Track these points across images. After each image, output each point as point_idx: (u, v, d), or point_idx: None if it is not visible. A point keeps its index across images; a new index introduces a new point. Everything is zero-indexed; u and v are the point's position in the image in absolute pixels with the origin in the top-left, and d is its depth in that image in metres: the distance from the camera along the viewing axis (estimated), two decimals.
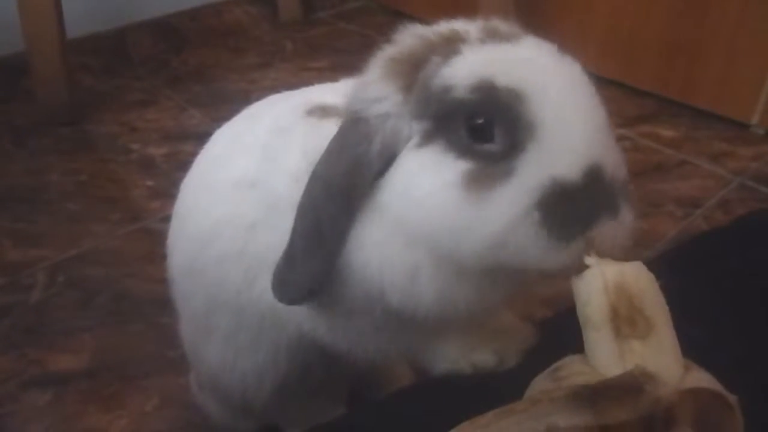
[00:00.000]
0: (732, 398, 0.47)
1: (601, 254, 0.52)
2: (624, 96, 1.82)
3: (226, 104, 1.90)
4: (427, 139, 0.55)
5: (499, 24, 0.60)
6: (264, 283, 0.67)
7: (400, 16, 2.46)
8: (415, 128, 0.56)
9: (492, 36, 0.57)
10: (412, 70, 0.56)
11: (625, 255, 0.53)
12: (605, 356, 0.49)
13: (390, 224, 0.57)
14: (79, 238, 1.41)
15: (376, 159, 0.56)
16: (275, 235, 0.63)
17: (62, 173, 1.64)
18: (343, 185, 0.56)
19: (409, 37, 0.60)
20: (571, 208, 0.51)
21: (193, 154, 0.79)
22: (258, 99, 0.80)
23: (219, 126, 0.79)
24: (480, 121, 0.52)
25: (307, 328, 0.69)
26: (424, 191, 0.54)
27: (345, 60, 2.17)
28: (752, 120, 1.73)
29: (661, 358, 0.48)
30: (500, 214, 0.51)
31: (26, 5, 1.68)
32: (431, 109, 0.55)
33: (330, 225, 0.57)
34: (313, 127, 0.64)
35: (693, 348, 0.49)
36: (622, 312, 0.49)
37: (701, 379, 0.48)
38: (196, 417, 0.99)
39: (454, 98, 0.53)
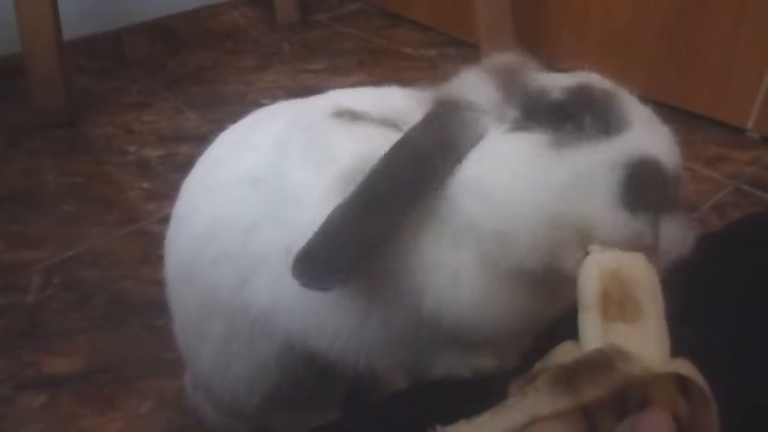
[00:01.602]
0: (708, 392, 0.47)
1: (653, 253, 0.52)
2: None
3: (223, 106, 1.90)
4: (517, 126, 0.56)
5: None
6: (254, 285, 0.66)
7: (398, 19, 2.46)
8: (506, 116, 0.57)
9: None
10: (510, 74, 0.59)
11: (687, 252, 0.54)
12: (591, 337, 0.50)
13: (450, 219, 0.57)
14: (74, 240, 1.41)
15: (464, 147, 0.57)
16: (278, 233, 0.62)
17: (58, 175, 1.64)
18: (434, 159, 0.56)
19: (508, 54, 0.63)
20: (656, 183, 0.51)
21: (190, 156, 0.78)
22: (255, 101, 0.81)
23: (216, 128, 0.79)
24: (572, 114, 0.54)
25: (298, 337, 0.68)
26: (509, 151, 0.55)
27: (342, 62, 2.17)
28: (747, 125, 1.73)
29: (644, 342, 0.48)
30: (584, 158, 0.52)
31: (23, 6, 1.68)
32: (526, 105, 0.57)
33: (408, 193, 0.55)
34: (346, 128, 0.63)
35: (687, 349, 0.49)
36: (613, 296, 0.49)
37: (682, 367, 0.48)
38: (191, 420, 0.99)
39: (552, 98, 0.56)
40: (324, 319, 0.64)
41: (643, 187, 0.51)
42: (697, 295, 0.72)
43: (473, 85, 0.60)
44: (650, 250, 0.51)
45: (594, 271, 0.51)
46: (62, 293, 1.28)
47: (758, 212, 1.40)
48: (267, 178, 0.66)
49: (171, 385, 1.06)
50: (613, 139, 0.53)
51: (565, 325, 0.55)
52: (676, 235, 0.52)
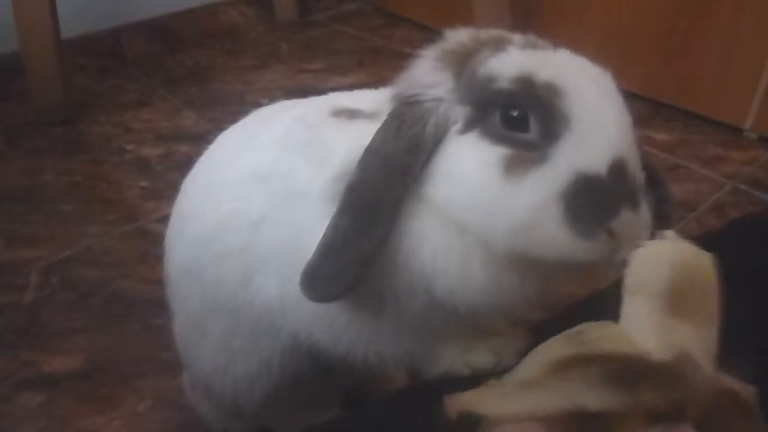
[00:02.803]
0: (755, 403, 0.46)
1: (621, 250, 0.53)
2: None
3: (222, 105, 1.90)
4: (468, 125, 0.58)
5: (536, 38, 0.64)
6: (260, 282, 0.67)
7: (395, 18, 2.46)
8: (459, 113, 0.59)
9: (533, 45, 0.61)
10: (463, 60, 0.60)
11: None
12: (645, 326, 0.48)
13: (438, 211, 0.59)
14: (73, 239, 1.41)
15: (429, 140, 0.58)
16: (284, 230, 0.63)
17: (56, 174, 1.64)
18: (403, 162, 0.58)
19: (461, 34, 0.63)
20: (595, 200, 0.53)
21: (189, 155, 0.79)
22: (254, 100, 0.81)
23: (214, 127, 0.79)
24: (515, 113, 0.55)
25: (304, 333, 0.68)
26: (462, 169, 0.57)
27: (341, 62, 2.17)
28: (746, 125, 1.74)
29: (704, 350, 0.47)
30: (527, 201, 0.54)
31: (21, 4, 1.67)
32: (474, 97, 0.58)
33: (389, 201, 0.58)
34: (344, 125, 0.65)
35: None
36: (678, 289, 0.48)
37: (733, 382, 0.47)
38: (189, 418, 0.99)
39: (495, 88, 0.56)
40: (336, 311, 0.65)
41: (585, 211, 0.53)
42: None
43: (429, 74, 0.61)
44: (615, 251, 0.54)
45: (666, 258, 0.50)
46: (61, 292, 1.28)
47: (756, 213, 1.40)
48: (272, 176, 0.67)
49: (169, 384, 1.06)
50: (557, 146, 0.54)
51: (558, 328, 0.56)
52: (638, 225, 0.54)
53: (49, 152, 1.72)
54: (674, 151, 1.67)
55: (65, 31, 1.79)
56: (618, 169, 0.54)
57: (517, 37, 0.62)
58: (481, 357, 0.68)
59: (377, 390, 0.93)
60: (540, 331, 0.70)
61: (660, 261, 0.50)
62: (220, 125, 0.79)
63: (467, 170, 0.57)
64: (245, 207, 0.67)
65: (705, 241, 0.55)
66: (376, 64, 2.10)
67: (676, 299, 0.48)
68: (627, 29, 1.87)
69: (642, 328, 0.48)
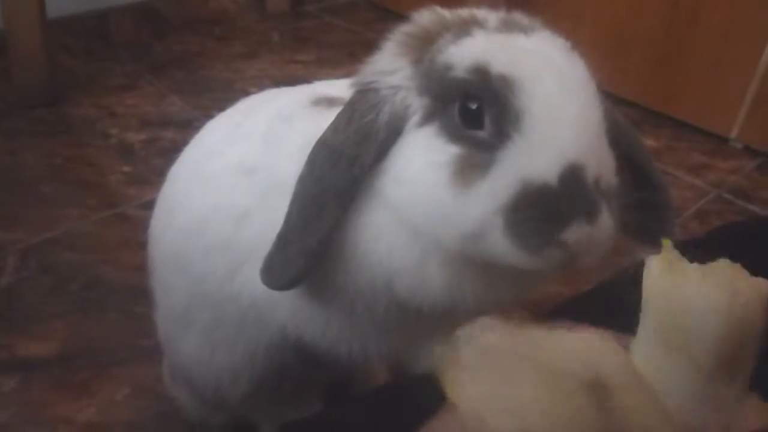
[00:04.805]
0: None
1: (577, 261, 0.49)
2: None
3: (209, 93, 1.88)
4: (426, 118, 0.55)
5: (520, 17, 0.59)
6: (247, 274, 0.66)
7: (388, 13, 2.46)
8: (418, 104, 0.55)
9: (508, 26, 0.56)
10: (423, 45, 0.56)
11: (600, 262, 0.52)
12: (689, 397, 0.38)
13: (391, 209, 0.57)
14: (52, 222, 1.38)
15: (383, 129, 0.55)
16: (269, 223, 0.62)
17: (37, 155, 1.61)
18: (350, 154, 0.55)
19: (427, 15, 0.59)
20: (541, 212, 0.49)
21: (174, 142, 0.77)
22: (243, 89, 0.80)
23: (202, 114, 0.78)
24: (472, 105, 0.52)
25: (291, 327, 0.68)
26: (414, 171, 0.54)
27: (331, 54, 2.16)
28: (731, 134, 1.76)
29: (736, 412, 0.39)
30: (473, 211, 0.51)
31: None
32: (433, 87, 0.54)
33: (333, 193, 0.56)
34: (319, 115, 0.64)
35: None
36: (729, 350, 0.38)
37: None
38: (167, 408, 0.97)
39: (452, 77, 0.53)
40: (313, 308, 0.65)
41: (530, 225, 0.49)
42: None
43: (387, 61, 0.58)
44: (570, 262, 0.50)
45: (718, 306, 0.39)
46: (38, 276, 1.26)
47: (738, 222, 1.41)
48: (256, 168, 0.66)
49: (148, 373, 1.05)
50: (506, 149, 0.50)
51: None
52: (596, 236, 0.49)
53: (31, 133, 1.69)
54: (661, 157, 1.69)
55: (52, 11, 1.76)
56: (572, 175, 0.49)
57: (493, 18, 0.58)
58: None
59: (358, 387, 0.92)
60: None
61: (713, 309, 0.39)
62: (207, 112, 0.78)
63: (418, 172, 0.54)
64: (230, 200, 0.67)
65: (689, 246, 0.55)
66: (368, 57, 2.10)
67: (728, 360, 0.38)
68: (620, 34, 1.88)
69: (683, 400, 0.39)
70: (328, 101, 0.66)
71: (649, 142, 1.74)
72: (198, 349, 0.76)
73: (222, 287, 0.69)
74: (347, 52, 2.16)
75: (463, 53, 0.53)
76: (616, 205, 0.52)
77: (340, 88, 0.67)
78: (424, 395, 0.64)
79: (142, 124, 1.75)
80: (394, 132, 0.56)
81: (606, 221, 0.50)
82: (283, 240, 0.58)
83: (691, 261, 0.47)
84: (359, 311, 0.63)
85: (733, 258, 0.46)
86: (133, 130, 1.72)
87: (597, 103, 0.53)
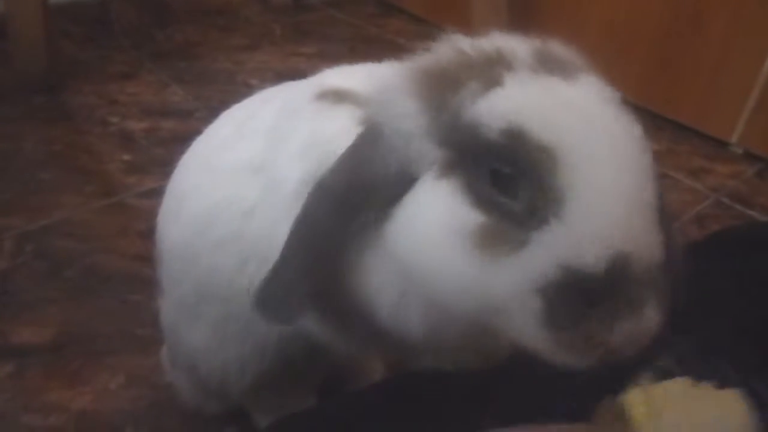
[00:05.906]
0: None
1: (615, 355, 0.45)
2: None
3: (211, 84, 1.87)
4: (449, 170, 0.49)
5: (557, 49, 0.52)
6: (255, 269, 0.66)
7: (391, 8, 2.45)
8: (438, 155, 0.50)
9: (545, 65, 0.50)
10: (445, 91, 0.50)
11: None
12: None
13: (394, 255, 0.53)
14: (49, 209, 1.38)
15: (393, 181, 0.51)
16: (270, 220, 0.62)
17: (36, 142, 1.60)
18: (354, 203, 0.52)
19: (448, 49, 0.53)
20: (583, 305, 0.44)
21: (174, 131, 0.77)
22: (244, 81, 0.79)
23: (202, 105, 0.78)
24: (506, 170, 0.46)
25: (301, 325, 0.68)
26: (430, 231, 0.49)
27: (333, 48, 2.15)
28: (732, 139, 1.76)
29: None
30: (503, 285, 0.46)
31: None
32: (458, 140, 0.49)
33: (328, 243, 0.53)
34: (322, 111, 0.62)
35: (689, 357, 0.49)
36: None
37: None
38: (161, 397, 0.97)
39: (483, 137, 0.47)
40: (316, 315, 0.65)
41: (571, 310, 0.44)
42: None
43: (402, 103, 0.52)
44: (603, 359, 0.45)
45: None
46: (35, 262, 1.25)
47: (737, 226, 1.42)
48: (263, 164, 0.66)
49: (143, 362, 1.05)
50: (544, 230, 0.45)
51: None
52: (638, 333, 0.45)
53: (30, 119, 1.68)
54: (661, 160, 1.69)
55: None
56: (619, 267, 0.44)
57: (524, 52, 0.51)
58: (465, 354, 0.67)
59: (354, 381, 0.92)
60: None
61: None
62: (208, 103, 0.77)
63: (438, 234, 0.49)
64: (239, 195, 0.67)
65: (688, 250, 0.55)
66: (369, 53, 2.09)
67: None
68: (623, 37, 1.88)
69: None
70: (334, 95, 0.63)
71: (651, 145, 1.74)
72: (206, 341, 0.76)
73: (232, 282, 0.69)
74: (349, 46, 2.15)
75: (494, 111, 0.47)
76: (664, 292, 0.47)
77: (351, 77, 0.66)
78: (420, 393, 0.64)
79: (143, 113, 1.74)
80: (405, 182, 0.51)
81: (653, 315, 0.45)
82: (275, 277, 0.56)
83: (691, 265, 0.46)
84: (358, 325, 0.63)
85: (732, 263, 0.46)
86: (133, 119, 1.71)
87: (651, 174, 0.48)
